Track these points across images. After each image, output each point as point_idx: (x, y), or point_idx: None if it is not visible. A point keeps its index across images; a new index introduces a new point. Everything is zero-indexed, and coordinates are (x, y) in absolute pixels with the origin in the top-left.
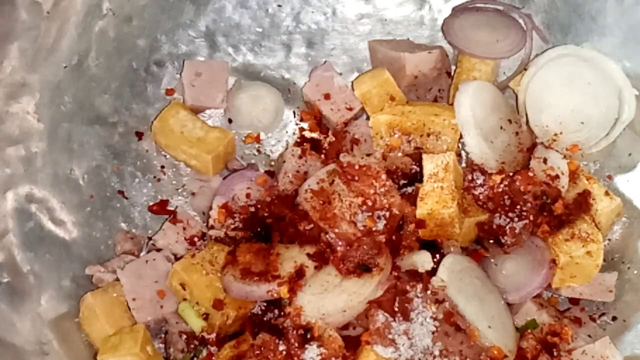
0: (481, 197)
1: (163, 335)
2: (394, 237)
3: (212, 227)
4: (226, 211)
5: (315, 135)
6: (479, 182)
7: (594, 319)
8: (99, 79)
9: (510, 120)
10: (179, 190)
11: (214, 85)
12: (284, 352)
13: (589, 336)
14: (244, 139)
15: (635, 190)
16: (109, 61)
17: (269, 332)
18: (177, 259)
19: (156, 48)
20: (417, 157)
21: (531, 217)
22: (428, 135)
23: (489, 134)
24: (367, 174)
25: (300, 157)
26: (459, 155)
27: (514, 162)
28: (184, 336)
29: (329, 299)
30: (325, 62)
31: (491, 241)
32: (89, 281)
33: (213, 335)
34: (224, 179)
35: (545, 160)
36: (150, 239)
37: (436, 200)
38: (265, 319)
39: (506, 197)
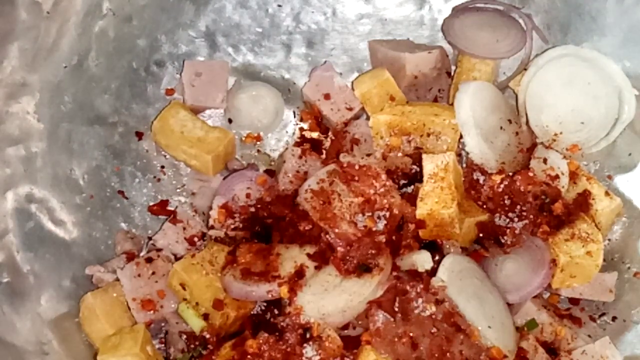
0: (481, 197)
1: (163, 335)
2: (394, 237)
3: (212, 227)
4: (226, 211)
5: (315, 135)
6: (479, 182)
7: (594, 319)
8: (99, 79)
9: (510, 120)
10: (179, 190)
11: (214, 85)
12: (284, 352)
13: (589, 336)
14: (243, 138)
15: (635, 190)
16: (109, 61)
17: (269, 332)
18: (177, 259)
19: (156, 48)
20: (417, 157)
21: (531, 217)
22: (428, 135)
23: (489, 134)
24: (367, 174)
25: (300, 157)
26: (459, 155)
27: (514, 162)
28: (184, 336)
29: (329, 299)
30: (325, 62)
31: (491, 241)
32: (89, 281)
33: (213, 335)
34: (224, 179)
35: (545, 160)
36: (150, 239)
37: (436, 200)
38: (265, 319)
39: (506, 197)
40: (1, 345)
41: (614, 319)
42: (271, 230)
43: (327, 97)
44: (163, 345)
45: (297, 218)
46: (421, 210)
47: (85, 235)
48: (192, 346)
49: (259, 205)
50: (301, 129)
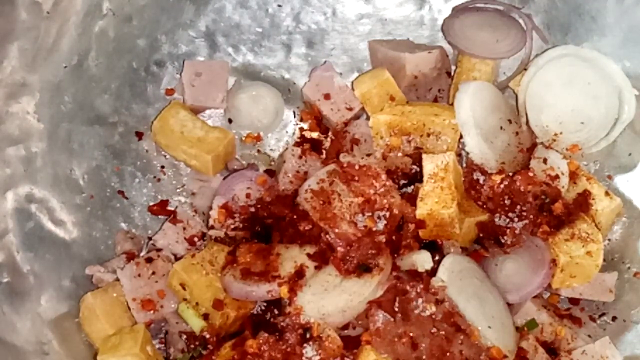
0: (481, 197)
1: (163, 335)
2: (394, 237)
3: (212, 227)
4: (226, 211)
5: (315, 135)
6: (479, 182)
7: (594, 319)
8: (99, 79)
9: (510, 120)
10: (179, 190)
11: (214, 85)
12: (284, 352)
13: (589, 336)
14: (243, 138)
15: (635, 190)
16: (109, 61)
17: (269, 332)
18: (177, 259)
19: (156, 48)
20: (417, 157)
21: (531, 217)
22: (428, 135)
23: (489, 134)
24: (367, 174)
25: (300, 157)
26: (459, 155)
27: (514, 162)
28: (184, 336)
29: (329, 299)
30: (325, 62)
31: (491, 241)
32: (89, 281)
33: (213, 335)
34: (224, 179)
35: (545, 160)
36: (150, 239)
37: (436, 200)
38: (265, 319)
39: (506, 197)
40: (1, 345)
41: (614, 319)
42: (271, 230)
43: (327, 97)
44: (163, 345)
45: (297, 218)
46: (421, 210)
47: (85, 235)
48: (192, 346)
49: (259, 205)
50: (301, 129)
